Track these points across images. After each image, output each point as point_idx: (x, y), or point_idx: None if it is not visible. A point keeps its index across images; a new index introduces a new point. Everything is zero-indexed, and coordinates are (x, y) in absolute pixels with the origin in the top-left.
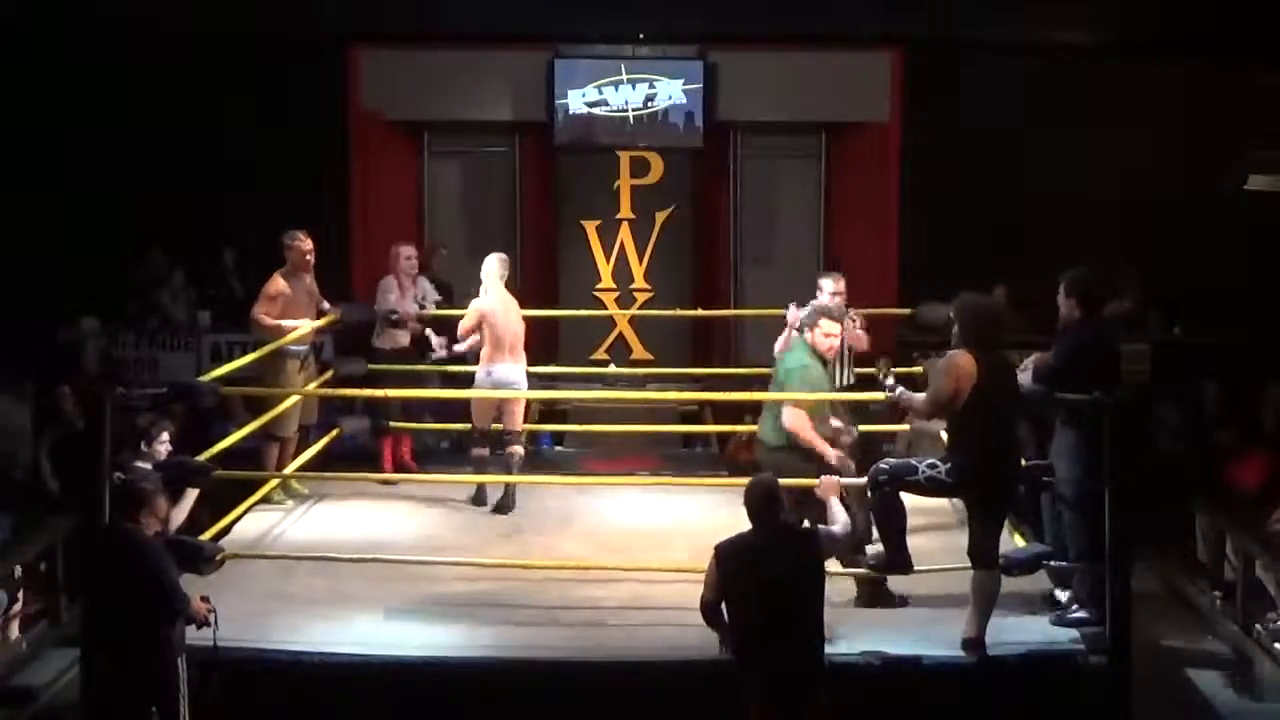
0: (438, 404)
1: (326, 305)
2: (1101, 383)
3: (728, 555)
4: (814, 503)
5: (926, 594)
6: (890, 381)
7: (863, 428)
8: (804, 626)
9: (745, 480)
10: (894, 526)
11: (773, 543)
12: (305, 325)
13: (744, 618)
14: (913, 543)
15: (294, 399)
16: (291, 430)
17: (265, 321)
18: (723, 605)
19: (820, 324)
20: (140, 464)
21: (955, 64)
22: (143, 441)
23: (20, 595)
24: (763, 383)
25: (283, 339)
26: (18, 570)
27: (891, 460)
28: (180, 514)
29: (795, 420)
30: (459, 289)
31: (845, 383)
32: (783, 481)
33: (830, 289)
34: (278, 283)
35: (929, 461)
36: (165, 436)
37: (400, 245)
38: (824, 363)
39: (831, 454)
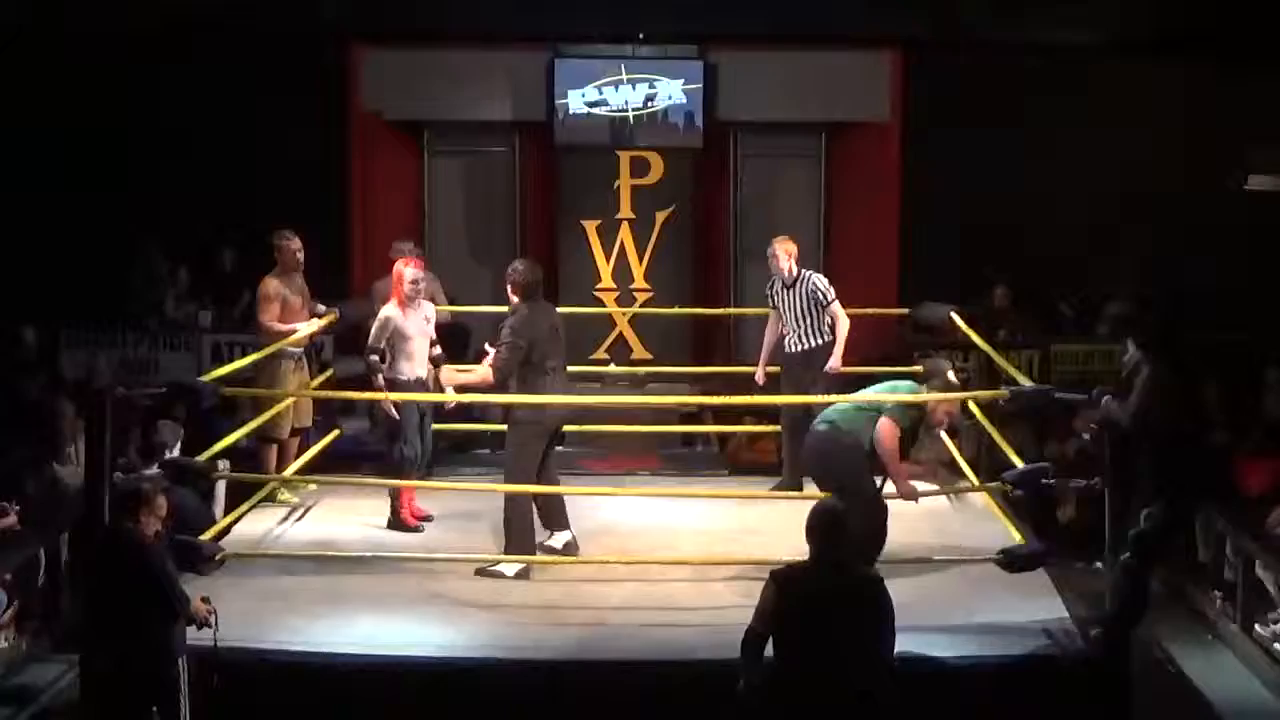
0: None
1: (322, 307)
2: None
3: (789, 583)
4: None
5: (925, 593)
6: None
7: None
8: (856, 671)
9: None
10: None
11: (835, 578)
12: (305, 327)
13: (791, 653)
14: (913, 541)
15: (287, 400)
16: (284, 432)
17: (279, 327)
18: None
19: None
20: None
21: (955, 64)
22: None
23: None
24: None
25: (283, 341)
26: None
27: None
28: (218, 510)
29: (890, 435)
30: (459, 289)
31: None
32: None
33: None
34: (273, 284)
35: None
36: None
37: None
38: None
39: (908, 484)
